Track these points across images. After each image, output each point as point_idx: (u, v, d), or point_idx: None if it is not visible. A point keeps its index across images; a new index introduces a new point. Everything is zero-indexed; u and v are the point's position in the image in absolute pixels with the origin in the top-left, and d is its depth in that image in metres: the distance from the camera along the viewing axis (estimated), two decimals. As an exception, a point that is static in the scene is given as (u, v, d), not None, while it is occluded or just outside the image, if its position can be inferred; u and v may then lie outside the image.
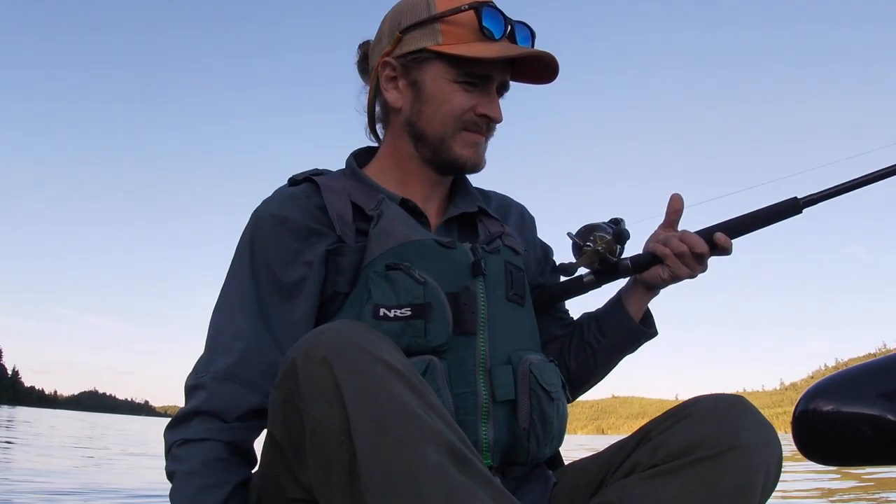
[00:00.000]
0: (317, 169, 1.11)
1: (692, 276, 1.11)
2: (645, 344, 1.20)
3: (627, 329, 1.16)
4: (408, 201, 1.05)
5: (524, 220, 1.24)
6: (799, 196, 1.06)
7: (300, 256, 0.99)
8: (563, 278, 1.23)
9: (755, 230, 1.09)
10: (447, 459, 0.68)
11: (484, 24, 1.00)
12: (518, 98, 1.10)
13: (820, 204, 1.06)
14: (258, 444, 0.91)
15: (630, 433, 0.99)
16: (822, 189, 1.06)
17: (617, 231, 1.11)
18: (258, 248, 1.00)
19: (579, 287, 1.19)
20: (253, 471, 0.93)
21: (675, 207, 1.12)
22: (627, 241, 1.13)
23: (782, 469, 0.87)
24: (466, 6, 1.00)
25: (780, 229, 1.11)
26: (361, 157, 1.15)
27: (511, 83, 1.08)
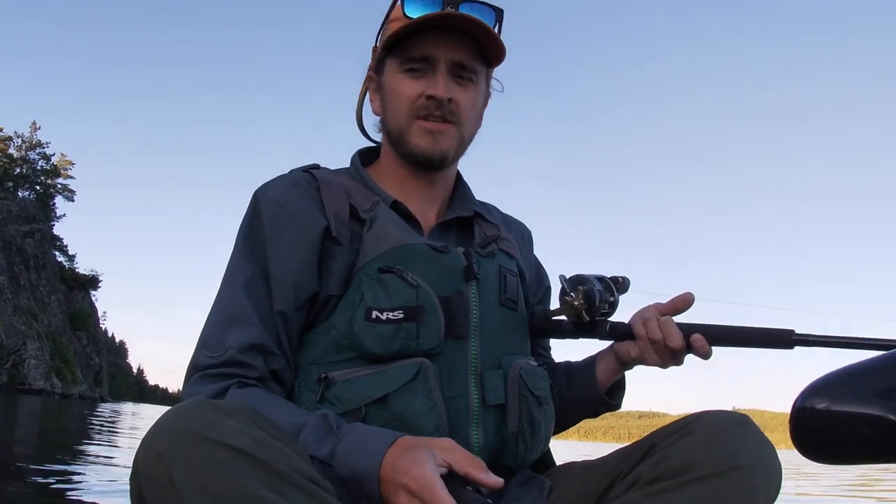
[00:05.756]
0: (316, 164, 1.12)
1: (662, 367, 1.06)
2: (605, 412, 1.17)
3: (590, 392, 1.14)
4: (399, 204, 1.06)
5: (524, 237, 1.25)
6: (796, 330, 1.00)
7: (297, 244, 0.99)
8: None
9: (740, 346, 1.04)
10: None
11: (405, 9, 1.02)
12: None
13: (812, 348, 1.00)
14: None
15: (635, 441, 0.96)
16: (821, 334, 0.99)
17: (606, 286, 1.09)
18: (257, 234, 1.00)
19: (556, 330, 1.15)
20: None
21: (684, 300, 1.06)
22: (616, 299, 1.10)
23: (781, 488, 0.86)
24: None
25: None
26: (367, 156, 1.17)
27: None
